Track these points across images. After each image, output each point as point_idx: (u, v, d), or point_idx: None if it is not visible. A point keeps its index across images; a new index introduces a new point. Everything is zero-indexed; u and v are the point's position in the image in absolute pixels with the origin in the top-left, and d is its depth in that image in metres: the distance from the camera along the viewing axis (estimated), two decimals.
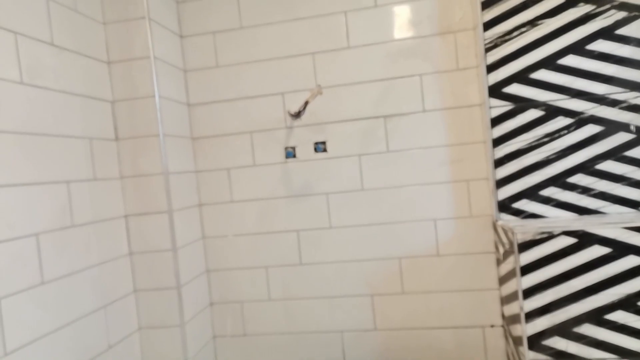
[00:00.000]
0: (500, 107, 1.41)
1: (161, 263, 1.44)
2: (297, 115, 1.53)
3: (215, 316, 1.67)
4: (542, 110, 1.38)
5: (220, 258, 1.66)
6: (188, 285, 1.51)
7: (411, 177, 1.54)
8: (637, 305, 1.19)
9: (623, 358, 1.20)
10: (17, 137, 1.08)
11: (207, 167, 1.65)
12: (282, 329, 1.63)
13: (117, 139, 1.45)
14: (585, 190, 1.37)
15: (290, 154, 1.60)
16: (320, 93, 1.44)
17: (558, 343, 1.23)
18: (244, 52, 1.61)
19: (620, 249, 1.19)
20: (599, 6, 1.34)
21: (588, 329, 1.21)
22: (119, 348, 1.37)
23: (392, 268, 1.56)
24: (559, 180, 1.38)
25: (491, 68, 1.41)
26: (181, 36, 1.64)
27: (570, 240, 1.22)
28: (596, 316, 1.21)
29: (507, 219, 1.42)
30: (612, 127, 1.34)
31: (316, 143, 1.60)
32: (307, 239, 1.60)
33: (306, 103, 1.48)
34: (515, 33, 1.40)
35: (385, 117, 1.55)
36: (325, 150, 1.59)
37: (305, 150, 1.60)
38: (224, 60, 1.63)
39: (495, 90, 1.41)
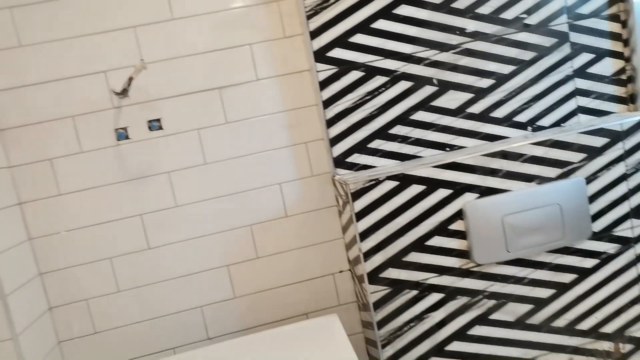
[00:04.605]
0: (326, 70, 1.50)
1: None
2: (123, 93, 1.43)
3: (57, 320, 1.51)
4: (362, 71, 1.51)
5: (55, 258, 1.49)
6: (15, 293, 1.33)
7: (253, 146, 1.56)
8: (448, 229, 1.40)
9: (442, 274, 1.41)
10: None
11: (24, 160, 1.45)
12: (136, 318, 1.54)
13: None
14: (404, 139, 1.54)
15: (122, 135, 1.50)
16: (145, 68, 1.36)
17: (392, 273, 1.39)
18: (53, 27, 1.43)
19: (432, 185, 1.39)
20: None
21: (414, 256, 1.40)
22: None
23: (244, 236, 1.58)
24: (382, 133, 1.53)
25: (314, 34, 1.48)
26: None
27: (394, 184, 1.38)
28: (419, 244, 1.40)
29: (342, 173, 1.53)
30: (419, 81, 1.52)
31: (150, 121, 1.51)
32: (153, 222, 1.53)
33: (130, 79, 1.39)
34: (331, 0, 1.48)
35: (220, 88, 1.53)
36: (161, 127, 1.52)
37: (138, 130, 1.51)
38: (28, 38, 1.43)
39: (321, 55, 1.49)
